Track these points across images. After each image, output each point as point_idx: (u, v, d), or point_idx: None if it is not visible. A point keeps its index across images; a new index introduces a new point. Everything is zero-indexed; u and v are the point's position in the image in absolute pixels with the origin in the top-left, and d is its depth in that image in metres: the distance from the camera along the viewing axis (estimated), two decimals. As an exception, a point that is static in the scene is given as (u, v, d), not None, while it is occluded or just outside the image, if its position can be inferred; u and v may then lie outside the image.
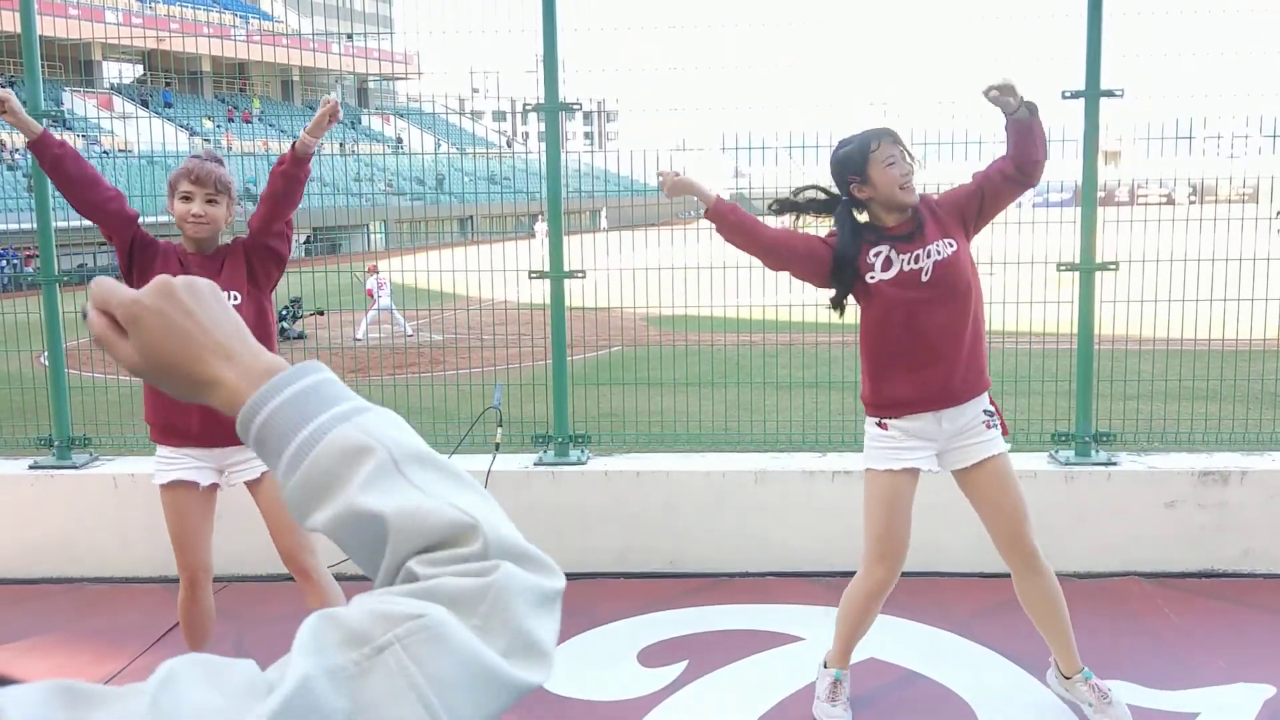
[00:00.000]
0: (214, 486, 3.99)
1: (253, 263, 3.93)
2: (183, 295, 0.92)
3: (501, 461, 5.48)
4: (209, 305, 0.93)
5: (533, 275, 5.69)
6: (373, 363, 9.93)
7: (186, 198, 3.82)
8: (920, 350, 3.60)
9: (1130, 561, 5.29)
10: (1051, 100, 5.26)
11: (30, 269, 7.18)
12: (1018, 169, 3.61)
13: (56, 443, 5.83)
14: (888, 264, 3.61)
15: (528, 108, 5.86)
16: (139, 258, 3.89)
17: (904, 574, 5.24)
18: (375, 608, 0.76)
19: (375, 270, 12.80)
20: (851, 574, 5.30)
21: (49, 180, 5.72)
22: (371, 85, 56.60)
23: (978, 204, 3.68)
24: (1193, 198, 8.43)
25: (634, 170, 7.38)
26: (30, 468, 5.70)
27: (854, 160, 3.65)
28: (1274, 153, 6.16)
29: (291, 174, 3.87)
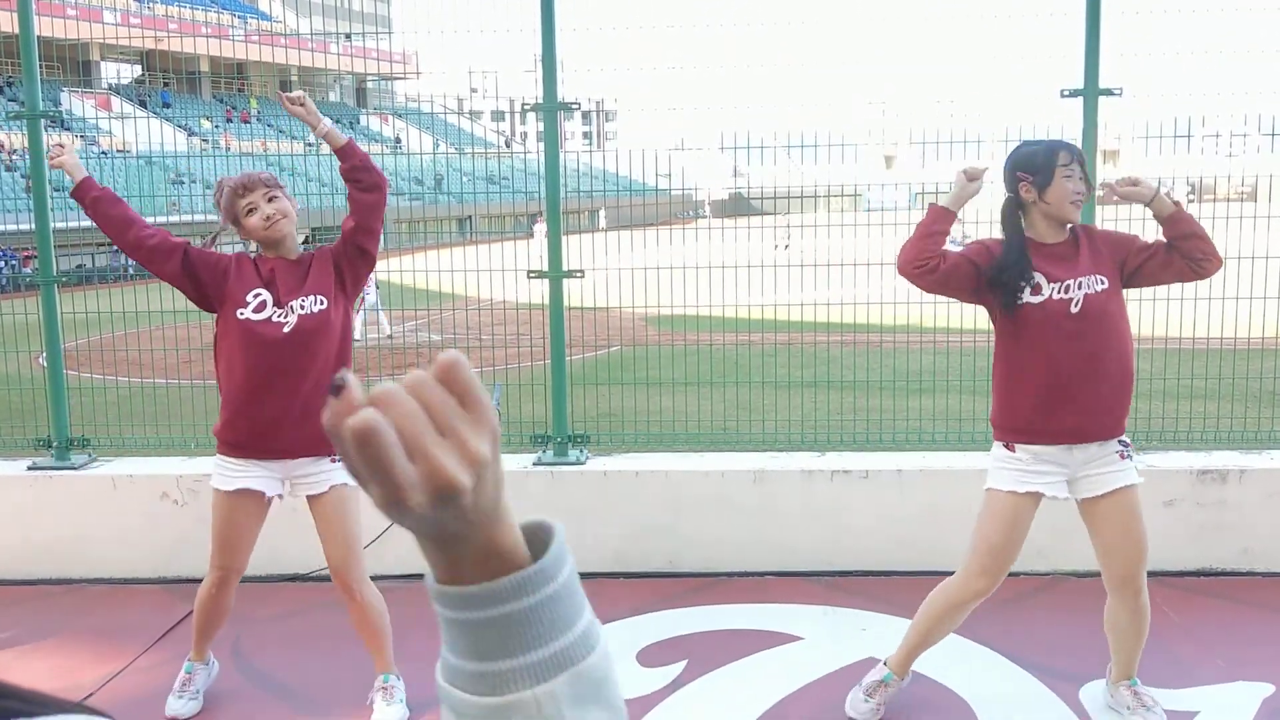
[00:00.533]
0: (270, 501, 3.94)
1: (341, 268, 3.88)
2: (495, 445, 0.70)
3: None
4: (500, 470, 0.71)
5: (531, 275, 5.69)
6: (371, 363, 9.93)
7: (251, 209, 3.77)
8: (1056, 384, 3.50)
9: (1129, 560, 5.29)
10: (1050, 99, 5.27)
11: (29, 270, 7.17)
12: (1194, 263, 3.54)
13: (55, 444, 5.83)
14: (1037, 289, 3.50)
15: (526, 107, 5.86)
16: (208, 280, 3.81)
17: (904, 574, 5.27)
18: None
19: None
20: (851, 573, 5.33)
21: (48, 181, 5.73)
22: (370, 85, 56.59)
23: (1140, 261, 3.58)
24: (1191, 196, 8.42)
25: (633, 170, 7.38)
26: (29, 469, 5.70)
27: (1037, 161, 3.54)
28: (1272, 151, 6.16)
29: (350, 175, 3.84)
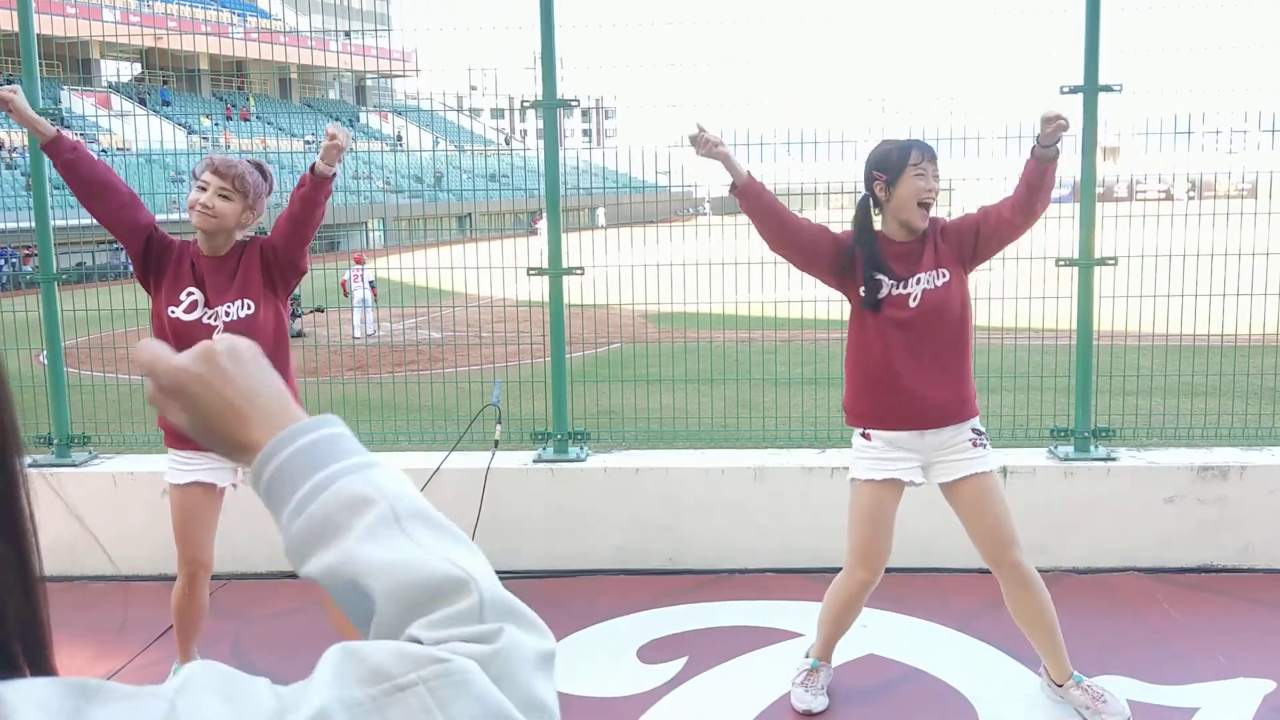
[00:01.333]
0: (222, 491, 3.97)
1: (270, 270, 3.90)
2: (224, 362, 0.94)
3: (500, 459, 5.48)
4: (249, 371, 0.95)
5: (531, 272, 5.69)
6: (371, 361, 9.93)
7: (202, 187, 3.79)
8: (897, 374, 3.67)
9: (1129, 557, 5.29)
10: (1050, 95, 5.26)
11: (29, 268, 7.17)
12: (1019, 215, 3.67)
13: (55, 441, 5.83)
14: (878, 286, 3.67)
15: (526, 105, 5.86)
16: (154, 262, 3.87)
17: (903, 570, 5.27)
18: (400, 647, 0.77)
19: (361, 260, 12.75)
20: (851, 570, 5.32)
21: (48, 179, 5.73)
22: (369, 83, 56.54)
23: (972, 242, 3.74)
24: (1191, 193, 8.41)
25: (632, 167, 7.38)
26: (29, 466, 5.69)
27: (890, 161, 3.68)
28: (1273, 148, 6.16)
29: (310, 197, 3.83)
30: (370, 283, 14.22)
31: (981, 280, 5.40)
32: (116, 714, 0.67)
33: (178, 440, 3.90)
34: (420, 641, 0.80)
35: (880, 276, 3.68)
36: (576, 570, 5.38)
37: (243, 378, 0.94)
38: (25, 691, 0.66)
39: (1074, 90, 5.21)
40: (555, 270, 5.59)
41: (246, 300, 3.83)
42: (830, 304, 6.26)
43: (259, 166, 3.94)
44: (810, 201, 7.08)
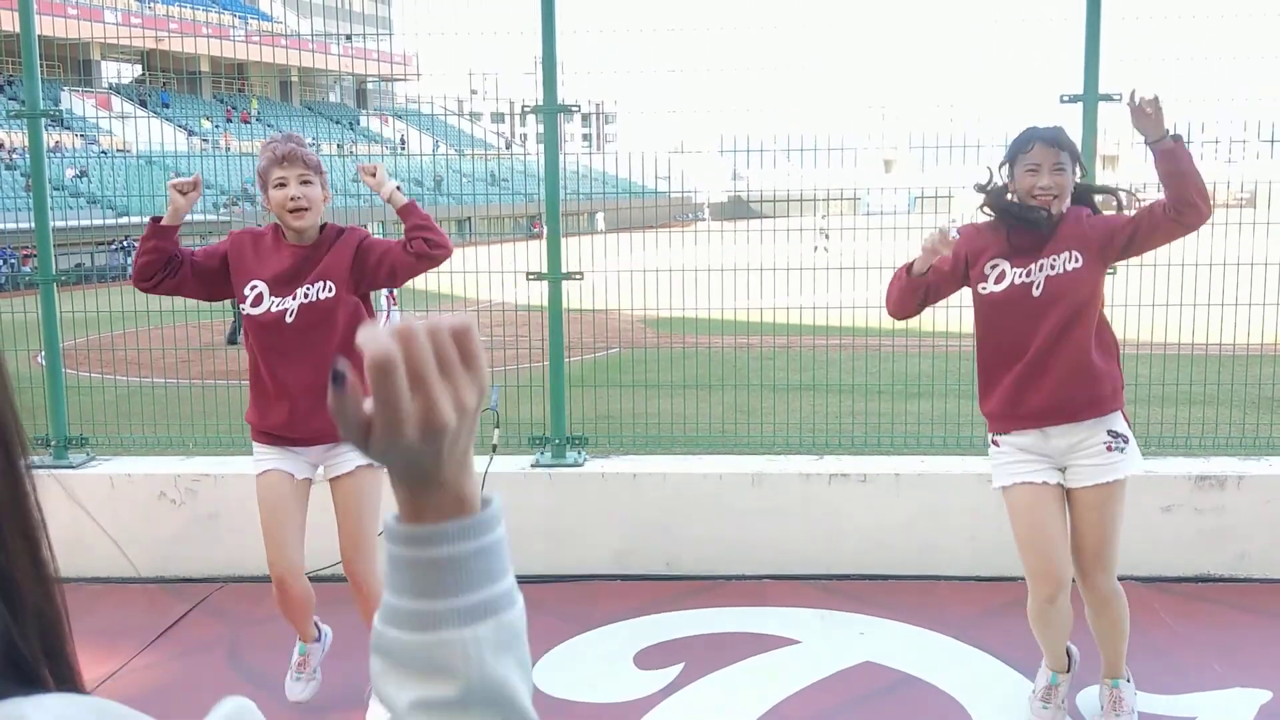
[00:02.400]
0: (307, 482, 3.91)
1: (362, 269, 3.81)
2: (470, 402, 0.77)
3: (499, 463, 5.47)
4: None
5: (530, 277, 5.69)
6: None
7: (281, 184, 3.69)
8: (1020, 365, 3.53)
9: (1127, 566, 5.26)
10: (1050, 104, 5.27)
11: (28, 269, 7.17)
12: (1176, 212, 3.45)
13: (53, 442, 5.83)
14: (1001, 277, 3.54)
15: (526, 109, 5.86)
16: (214, 278, 3.82)
17: (900, 577, 5.27)
18: None
19: None
20: (848, 577, 5.34)
21: (48, 180, 5.73)
22: (370, 86, 56.59)
23: (1126, 238, 3.54)
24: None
25: (632, 172, 7.39)
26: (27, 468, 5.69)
27: (1010, 151, 3.59)
28: (1272, 158, 6.17)
29: (413, 235, 3.81)
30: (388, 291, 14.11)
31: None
32: None
33: (264, 436, 3.84)
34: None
35: (1002, 264, 3.54)
36: (574, 575, 5.38)
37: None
38: (52, 711, 0.64)
39: (1074, 99, 5.22)
40: (554, 275, 5.59)
41: (329, 282, 3.74)
42: (829, 310, 6.28)
43: (293, 137, 3.84)
44: (810, 208, 7.09)
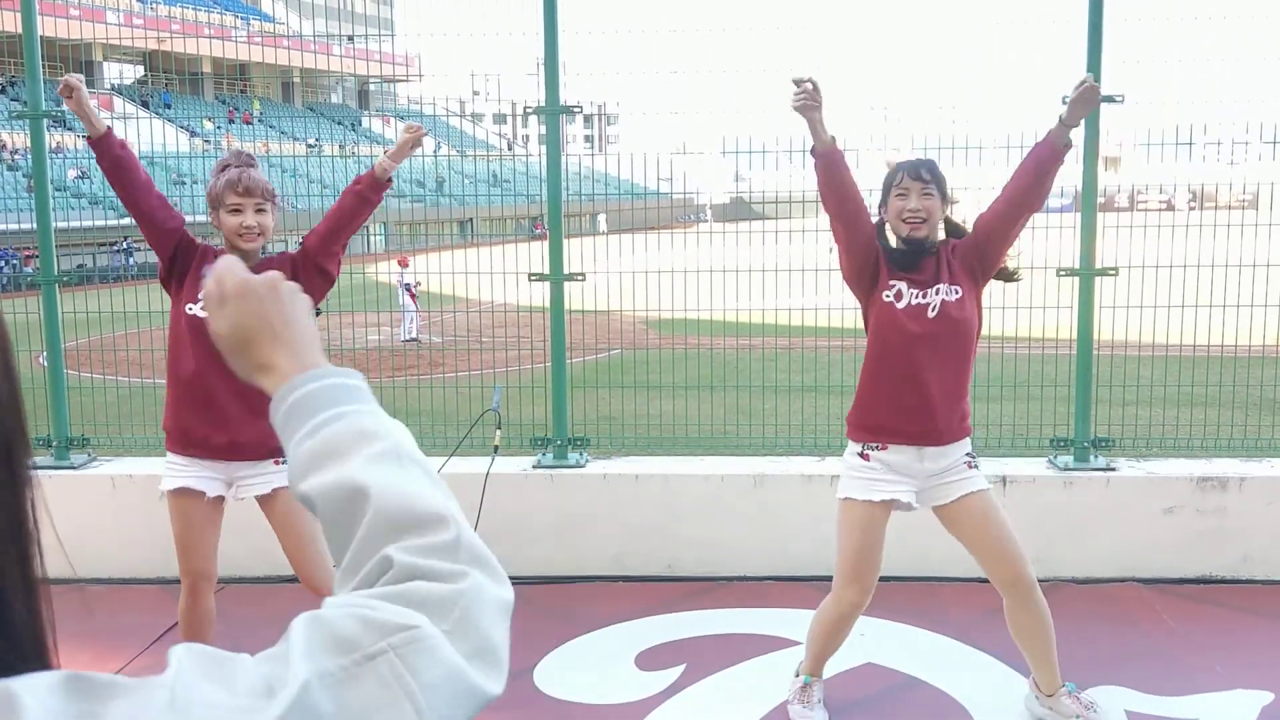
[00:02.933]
0: (220, 499, 3.92)
1: (299, 280, 3.87)
2: (284, 294, 1.08)
3: (500, 464, 5.47)
4: (298, 313, 1.08)
5: (532, 278, 5.69)
6: (372, 364, 9.93)
7: (236, 210, 3.75)
8: (913, 384, 3.66)
9: (1129, 567, 5.29)
10: (1052, 105, 5.26)
11: (30, 269, 7.18)
12: (1014, 203, 3.65)
13: (55, 443, 5.83)
14: (899, 295, 3.68)
15: (528, 110, 5.86)
16: (180, 263, 3.86)
17: (901, 579, 5.26)
18: (364, 615, 0.80)
19: (405, 264, 12.56)
20: (850, 578, 5.31)
21: (50, 181, 5.73)
22: (372, 87, 56.61)
23: (977, 252, 3.73)
24: (1192, 204, 8.42)
25: (634, 173, 7.38)
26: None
27: (886, 181, 3.76)
28: (1274, 159, 6.17)
29: (366, 196, 3.85)
30: (406, 286, 13.95)
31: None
32: (125, 710, 0.69)
33: (176, 444, 3.87)
34: (393, 561, 0.85)
35: (899, 284, 3.68)
36: (575, 576, 5.38)
37: (291, 312, 1.07)
38: (36, 693, 0.67)
39: (1076, 100, 5.20)
40: (556, 276, 5.59)
41: None
42: (830, 312, 6.28)
43: (250, 161, 3.89)
44: (812, 209, 7.08)
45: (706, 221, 10.87)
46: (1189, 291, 5.61)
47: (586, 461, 5.63)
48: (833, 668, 4.41)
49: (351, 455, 0.93)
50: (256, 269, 3.83)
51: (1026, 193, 3.65)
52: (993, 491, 3.79)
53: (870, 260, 3.73)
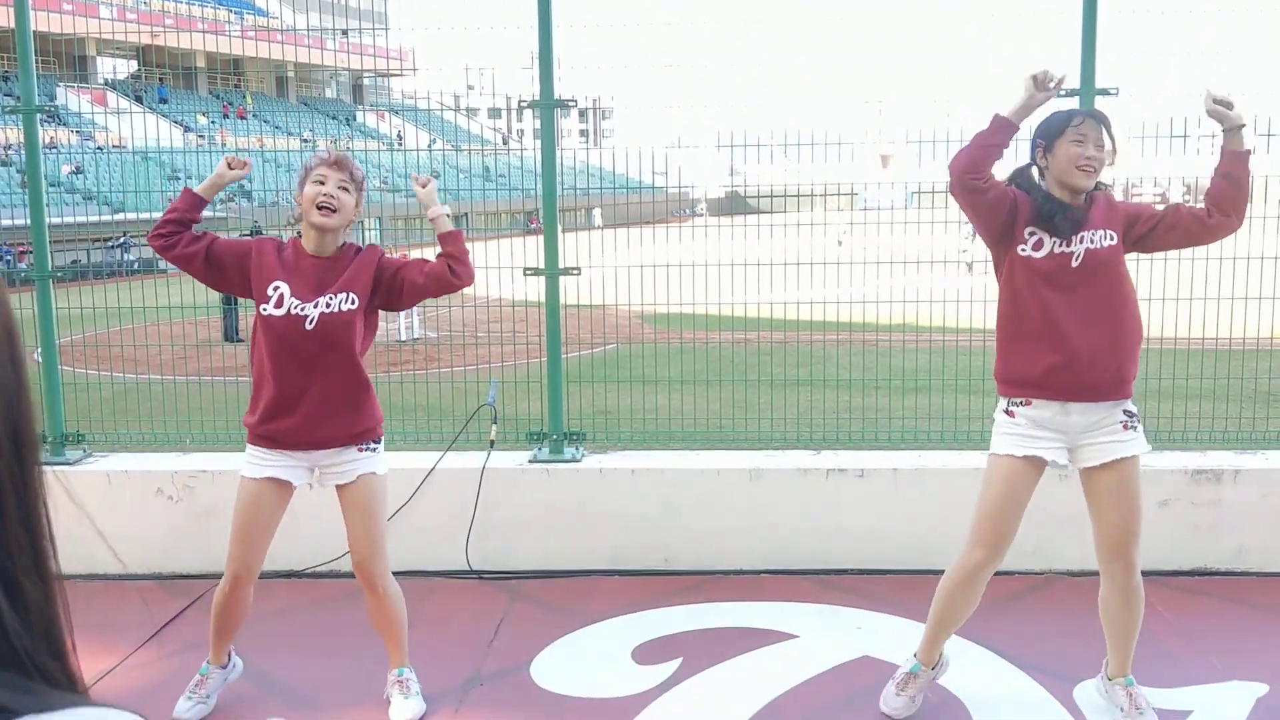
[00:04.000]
0: (291, 488, 3.93)
1: (381, 280, 3.85)
2: None
3: (496, 459, 5.47)
4: None
5: (528, 273, 5.69)
6: (367, 360, 9.91)
7: (320, 180, 3.73)
8: (1055, 334, 3.51)
9: (1124, 560, 5.29)
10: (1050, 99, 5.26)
11: (23, 265, 7.16)
12: (1218, 213, 3.54)
13: (50, 439, 5.82)
14: (1039, 244, 3.54)
15: (523, 104, 5.86)
16: (233, 269, 3.83)
17: (899, 571, 5.28)
18: None
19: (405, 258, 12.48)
20: (846, 571, 5.33)
21: (43, 177, 5.72)
22: (366, 82, 56.49)
23: (1148, 228, 3.60)
24: (1187, 197, 8.42)
25: (629, 168, 7.38)
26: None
27: (1051, 127, 3.61)
28: (1269, 152, 6.17)
29: (448, 261, 3.90)
30: None
31: (978, 283, 5.40)
32: None
33: (262, 439, 3.86)
34: None
35: (1040, 234, 3.53)
36: (571, 571, 5.38)
37: None
38: None
39: (1070, 93, 5.21)
40: (551, 270, 5.58)
41: (351, 294, 3.77)
42: (826, 305, 6.28)
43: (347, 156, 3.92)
44: (806, 203, 7.08)
45: (702, 216, 10.86)
46: (1183, 284, 5.61)
47: (582, 456, 5.63)
48: (828, 661, 4.42)
49: None
50: (334, 260, 3.79)
51: (1219, 197, 3.54)
52: (1142, 460, 3.64)
53: (1004, 215, 3.56)
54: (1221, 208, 3.55)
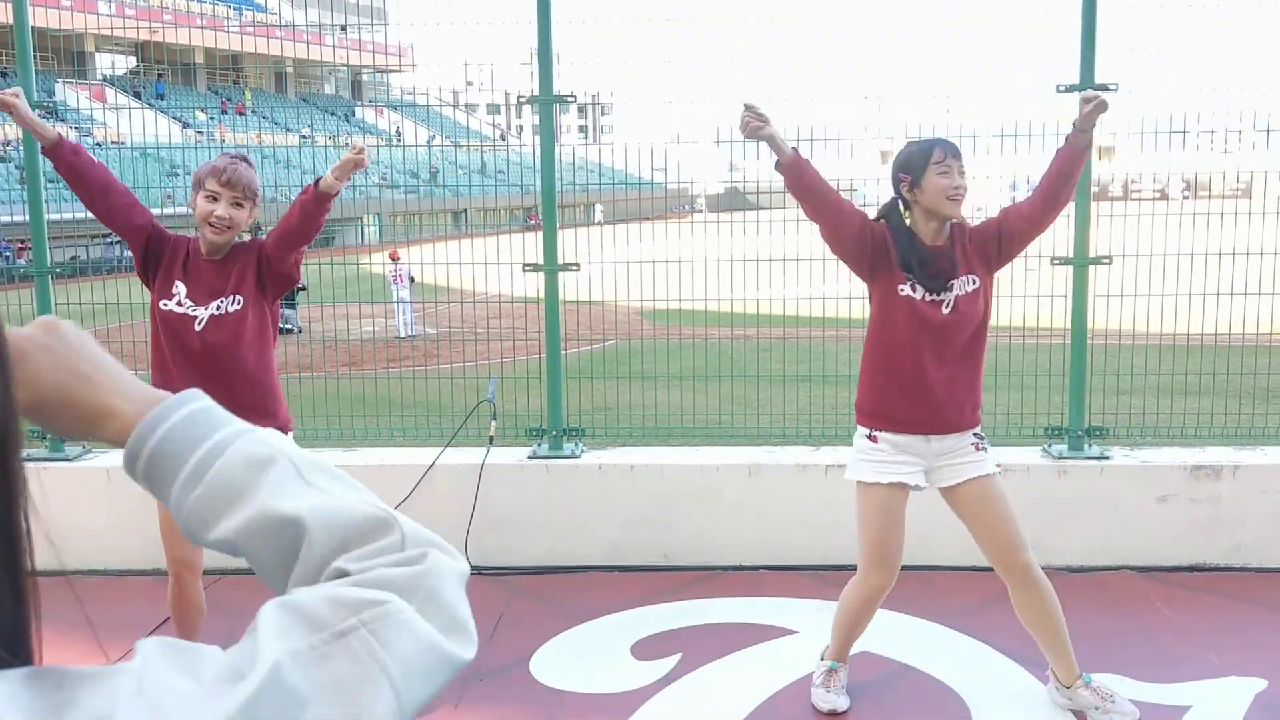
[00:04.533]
0: None
1: (263, 274, 3.91)
2: (70, 334, 0.97)
3: (495, 455, 5.48)
4: (91, 346, 0.98)
5: (527, 268, 5.69)
6: (366, 356, 9.92)
7: (212, 197, 3.78)
8: (923, 376, 3.66)
9: (1122, 556, 5.30)
10: (1045, 94, 5.27)
11: (23, 261, 7.16)
12: (1040, 208, 3.66)
13: (49, 436, 5.82)
14: (915, 286, 3.66)
15: (522, 100, 5.85)
16: (154, 258, 3.92)
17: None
18: (331, 595, 0.80)
19: (396, 258, 12.43)
20: (845, 567, 5.33)
21: (43, 173, 5.72)
22: (365, 78, 56.44)
23: (995, 244, 3.73)
24: (1186, 193, 8.43)
25: (628, 164, 7.38)
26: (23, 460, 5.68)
27: (913, 162, 3.68)
28: (1268, 148, 6.18)
29: (311, 211, 3.84)
30: (411, 278, 13.74)
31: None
32: (92, 696, 0.69)
33: None
34: (348, 572, 0.83)
35: (913, 282, 3.66)
36: (571, 566, 5.39)
37: (88, 350, 0.97)
38: (2, 694, 0.67)
39: (1070, 89, 5.21)
40: (551, 266, 5.58)
41: (238, 296, 3.86)
42: (825, 301, 6.28)
43: (245, 159, 3.93)
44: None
45: (701, 211, 10.86)
46: (1183, 280, 5.62)
47: (582, 452, 5.64)
48: (828, 656, 4.42)
49: (253, 488, 0.88)
50: (225, 261, 3.85)
51: (1054, 195, 3.65)
52: (999, 476, 3.81)
53: (867, 247, 3.70)
54: (1048, 201, 3.66)
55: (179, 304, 3.85)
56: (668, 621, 4.83)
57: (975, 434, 3.79)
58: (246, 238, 4.05)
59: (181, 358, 3.87)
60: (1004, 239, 3.72)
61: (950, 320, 3.64)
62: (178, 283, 3.88)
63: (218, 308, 3.84)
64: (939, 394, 3.67)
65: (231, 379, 3.83)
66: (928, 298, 3.64)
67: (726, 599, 5.06)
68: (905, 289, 3.65)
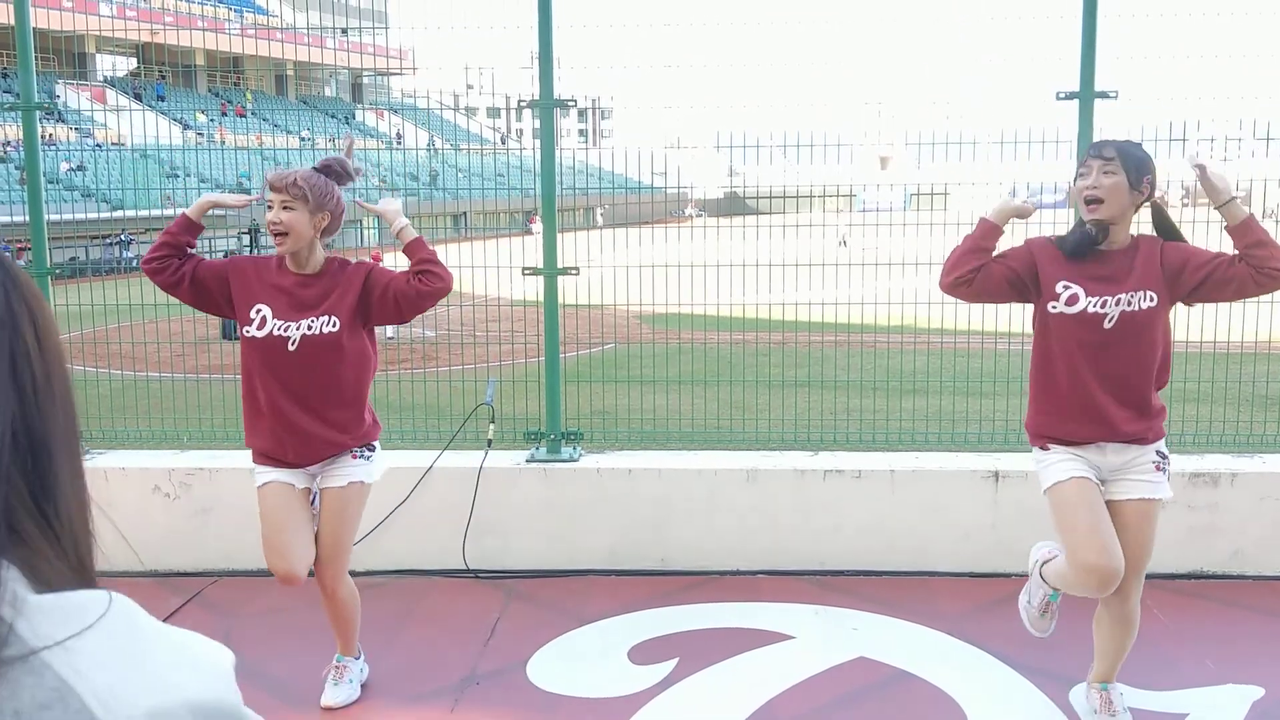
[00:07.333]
0: (308, 490, 3.97)
1: (369, 301, 3.83)
2: None
3: (493, 458, 5.48)
4: None
5: (526, 272, 5.69)
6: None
7: (268, 206, 3.74)
8: (1084, 396, 3.53)
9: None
10: (1046, 101, 5.27)
11: (22, 262, 7.17)
12: (1255, 277, 3.46)
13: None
14: (1073, 300, 3.52)
15: (523, 104, 5.86)
16: (216, 291, 3.84)
17: (894, 573, 5.28)
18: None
19: (378, 259, 12.47)
20: (842, 572, 5.35)
21: (42, 174, 5.72)
22: (366, 80, 56.46)
23: (1198, 280, 3.52)
24: (1185, 200, 8.44)
25: (628, 168, 7.39)
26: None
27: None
28: (1267, 156, 6.18)
29: (417, 270, 3.89)
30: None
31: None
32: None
33: (261, 458, 3.91)
34: None
35: (1075, 288, 3.52)
36: (568, 570, 5.38)
37: None
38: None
39: (1070, 96, 5.22)
40: (550, 270, 5.59)
41: (333, 317, 3.76)
42: (824, 307, 6.29)
43: (329, 168, 3.86)
44: (805, 204, 7.09)
45: (701, 216, 10.86)
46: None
47: (580, 456, 5.63)
48: (824, 662, 4.42)
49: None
50: (317, 276, 3.78)
51: (1257, 266, 3.45)
52: (1164, 502, 3.66)
53: (1019, 282, 3.60)
54: (1263, 272, 3.46)
55: (259, 327, 3.74)
56: (665, 626, 4.83)
57: (1159, 452, 3.64)
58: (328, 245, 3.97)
59: (271, 381, 3.77)
60: (1211, 282, 3.50)
61: (1114, 333, 3.49)
62: (258, 306, 3.77)
63: (309, 327, 3.74)
64: (1105, 416, 3.53)
65: (328, 399, 3.80)
66: (1089, 310, 3.48)
67: (724, 604, 5.06)
68: (1058, 305, 3.53)
